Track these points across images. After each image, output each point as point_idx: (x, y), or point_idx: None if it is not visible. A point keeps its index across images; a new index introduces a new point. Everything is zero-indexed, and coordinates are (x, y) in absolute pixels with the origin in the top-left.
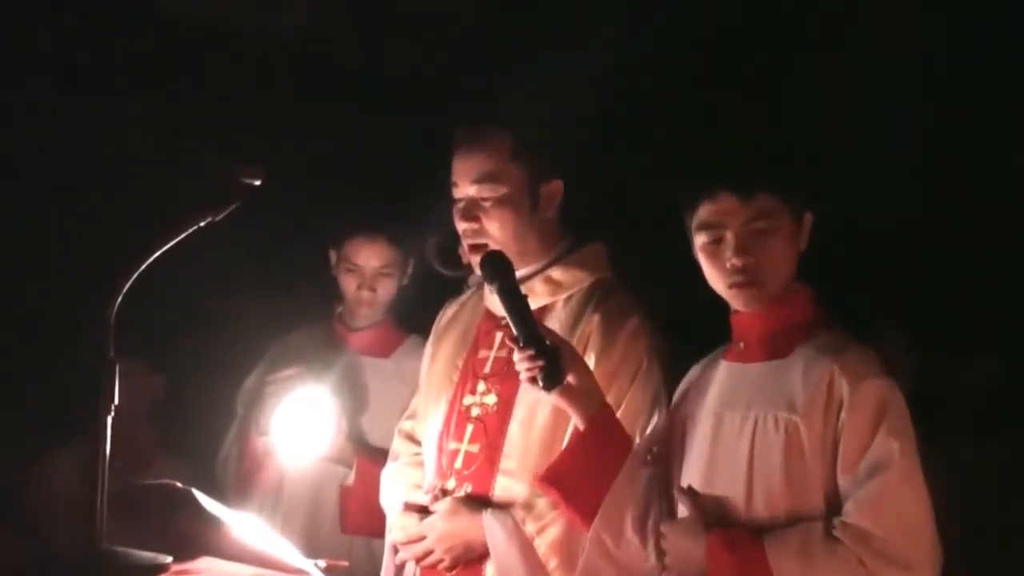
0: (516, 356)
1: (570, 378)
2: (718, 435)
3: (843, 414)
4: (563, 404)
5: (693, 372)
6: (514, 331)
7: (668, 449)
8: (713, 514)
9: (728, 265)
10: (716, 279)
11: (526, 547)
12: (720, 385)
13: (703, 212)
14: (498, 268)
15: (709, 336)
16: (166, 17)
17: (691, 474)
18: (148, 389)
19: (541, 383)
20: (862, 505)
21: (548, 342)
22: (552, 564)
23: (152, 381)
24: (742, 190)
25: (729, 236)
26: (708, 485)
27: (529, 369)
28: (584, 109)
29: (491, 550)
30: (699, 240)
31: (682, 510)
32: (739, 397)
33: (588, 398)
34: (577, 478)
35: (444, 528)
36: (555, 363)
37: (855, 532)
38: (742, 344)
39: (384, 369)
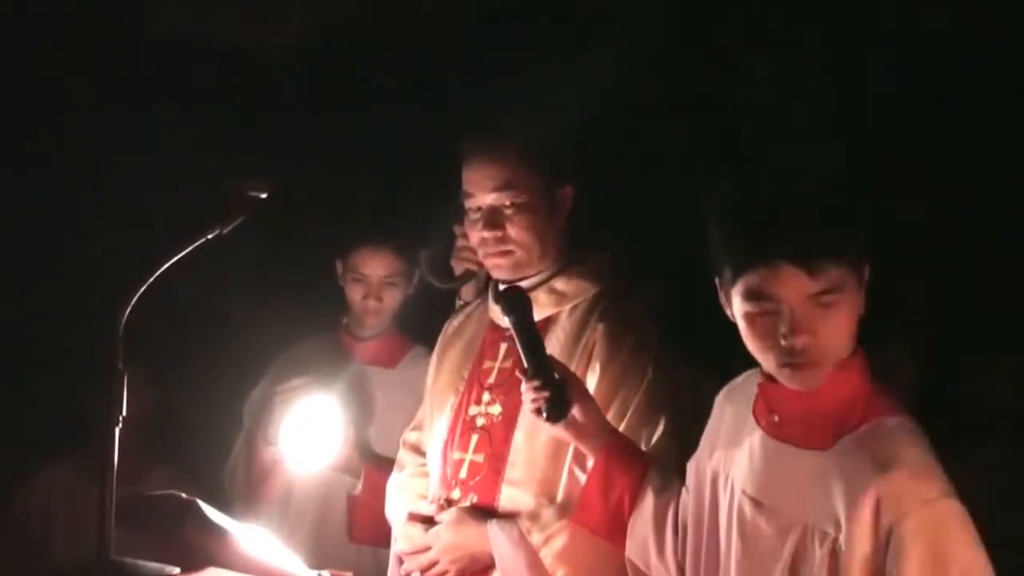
0: (523, 387)
1: (575, 411)
2: (757, 529)
3: (893, 544)
4: (568, 437)
5: (724, 412)
6: (524, 362)
7: (690, 503)
8: None
9: (783, 343)
10: (763, 354)
11: (532, 557)
12: (755, 460)
13: (755, 280)
14: (516, 302)
15: (717, 348)
16: (168, 33)
17: (712, 560)
18: (138, 402)
19: (545, 415)
20: None
21: (556, 374)
22: (560, 574)
23: (143, 393)
24: (811, 264)
25: (786, 310)
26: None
27: (535, 400)
28: (591, 118)
29: (497, 561)
30: (743, 307)
31: None
32: (780, 488)
33: (594, 430)
34: (605, 512)
35: (449, 539)
36: (560, 395)
37: None
38: (776, 417)
39: (390, 379)
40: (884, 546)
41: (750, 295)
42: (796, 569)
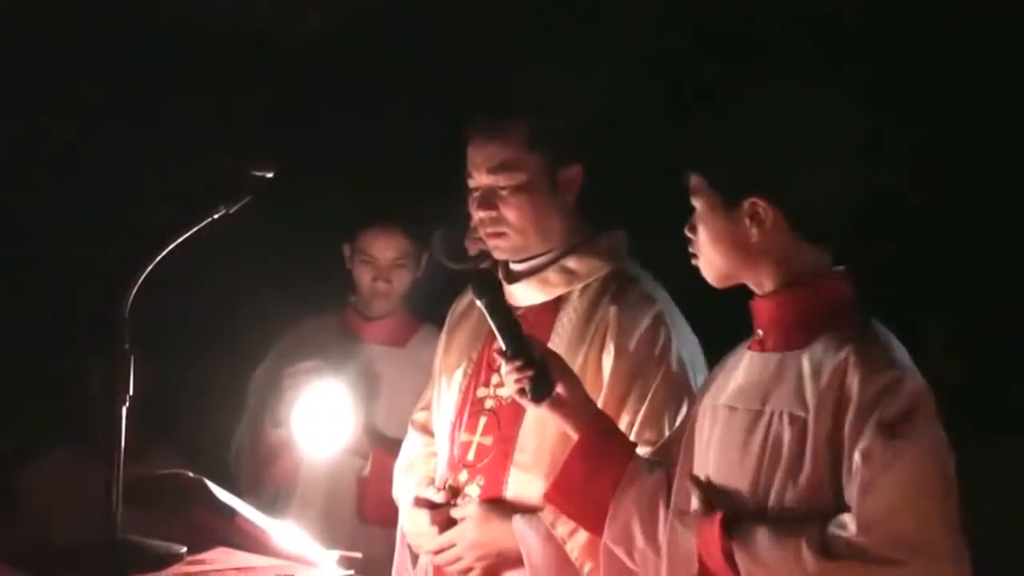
0: (504, 369)
1: (559, 389)
2: (730, 430)
3: (850, 412)
4: (554, 416)
5: (722, 363)
6: (501, 344)
7: (680, 447)
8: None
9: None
10: None
11: (560, 552)
12: (739, 377)
13: None
14: (485, 286)
15: (732, 327)
16: (182, 20)
17: (696, 470)
18: (139, 379)
19: (529, 395)
20: (858, 519)
21: (537, 354)
22: (587, 568)
23: (145, 371)
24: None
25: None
26: (716, 478)
27: (518, 381)
28: (604, 94)
29: (524, 556)
30: None
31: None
32: (755, 390)
33: (579, 408)
34: (583, 492)
35: (475, 536)
36: (543, 374)
37: (852, 550)
38: (760, 332)
39: (399, 358)
40: (844, 414)
41: None
42: (770, 458)
